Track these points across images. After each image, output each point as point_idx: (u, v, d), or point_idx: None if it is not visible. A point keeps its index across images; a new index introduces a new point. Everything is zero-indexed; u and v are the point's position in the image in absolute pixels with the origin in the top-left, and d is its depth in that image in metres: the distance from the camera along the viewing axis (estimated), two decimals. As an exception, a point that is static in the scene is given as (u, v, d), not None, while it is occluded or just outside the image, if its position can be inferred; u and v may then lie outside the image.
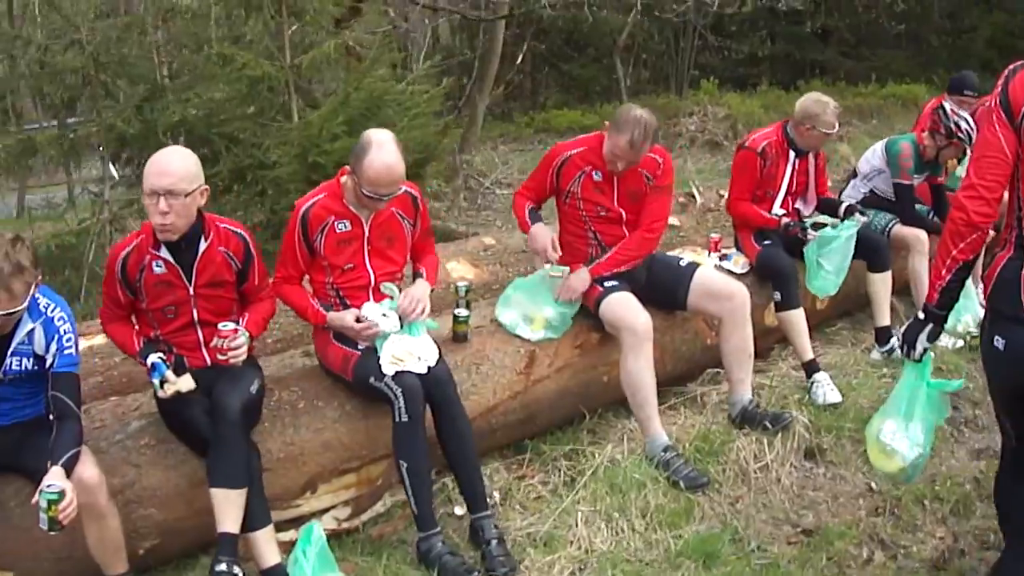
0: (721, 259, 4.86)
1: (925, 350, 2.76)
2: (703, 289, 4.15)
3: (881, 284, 4.86)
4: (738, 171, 4.81)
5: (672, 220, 5.91)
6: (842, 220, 4.77)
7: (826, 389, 4.35)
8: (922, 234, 5.09)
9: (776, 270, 4.61)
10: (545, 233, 4.06)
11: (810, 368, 4.48)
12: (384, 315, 3.40)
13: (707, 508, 3.71)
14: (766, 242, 4.75)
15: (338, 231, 3.42)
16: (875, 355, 4.90)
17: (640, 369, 3.85)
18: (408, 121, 6.98)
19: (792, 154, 4.74)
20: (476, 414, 3.66)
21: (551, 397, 3.99)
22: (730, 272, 4.74)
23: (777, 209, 4.78)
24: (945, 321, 2.67)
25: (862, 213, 4.78)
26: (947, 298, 2.57)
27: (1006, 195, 2.43)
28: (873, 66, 14.88)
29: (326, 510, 3.46)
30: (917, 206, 5.28)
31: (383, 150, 3.26)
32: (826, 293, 4.76)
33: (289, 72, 6.71)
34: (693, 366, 4.54)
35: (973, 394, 4.56)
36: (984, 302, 2.56)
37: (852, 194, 5.39)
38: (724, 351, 4.19)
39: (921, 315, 2.70)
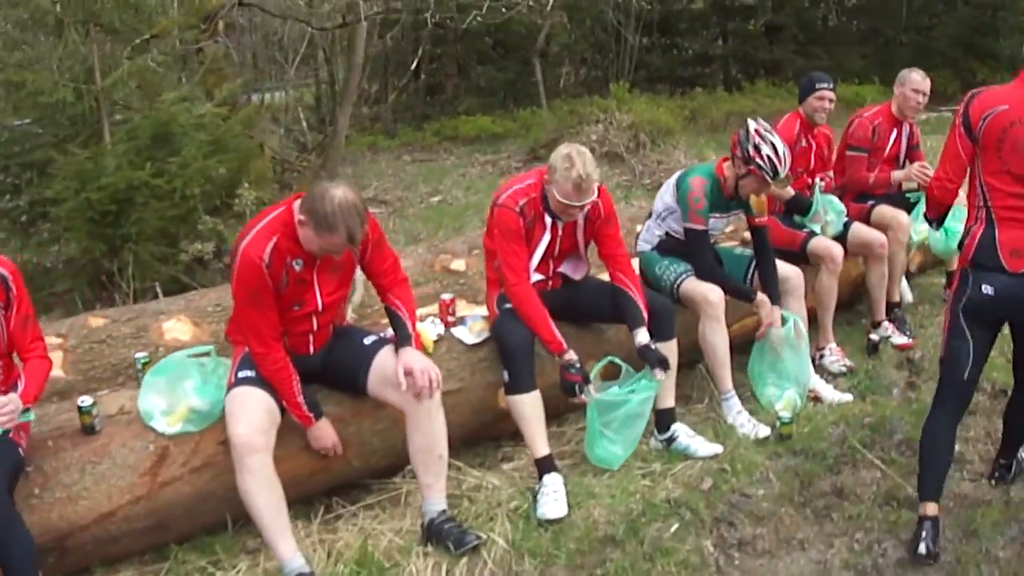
0: (451, 326, 3.91)
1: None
2: (383, 374, 3.28)
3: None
4: (504, 235, 3.63)
5: (458, 264, 4.98)
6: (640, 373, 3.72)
7: (550, 499, 3.39)
8: (713, 293, 4.01)
9: (504, 345, 3.64)
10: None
11: (543, 467, 3.52)
12: None
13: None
14: (507, 306, 3.78)
15: None
16: (653, 443, 3.89)
17: (247, 489, 3.01)
18: (198, 149, 6.14)
19: (548, 218, 3.69)
20: (89, 520, 3.12)
21: (187, 501, 3.26)
22: (461, 342, 3.82)
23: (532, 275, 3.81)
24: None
25: (663, 364, 3.62)
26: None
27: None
28: (824, 65, 13.74)
29: None
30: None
31: None
32: (608, 466, 3.71)
33: (101, 95, 6.07)
34: (395, 459, 3.61)
35: (759, 505, 3.54)
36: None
37: (647, 238, 4.36)
38: (410, 451, 3.31)
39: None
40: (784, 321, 4.18)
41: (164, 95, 6.18)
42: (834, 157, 5.09)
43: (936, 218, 3.46)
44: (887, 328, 4.87)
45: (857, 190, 5.09)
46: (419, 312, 4.08)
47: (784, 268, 4.33)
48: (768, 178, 3.93)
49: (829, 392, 4.27)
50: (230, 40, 9.04)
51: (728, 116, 11.30)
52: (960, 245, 3.24)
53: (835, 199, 4.90)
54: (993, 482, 3.62)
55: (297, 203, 3.06)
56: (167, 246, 6.12)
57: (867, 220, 5.00)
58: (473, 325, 3.89)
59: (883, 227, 4.89)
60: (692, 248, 4.09)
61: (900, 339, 4.83)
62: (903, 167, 5.15)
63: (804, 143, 4.83)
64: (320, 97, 13.77)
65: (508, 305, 3.74)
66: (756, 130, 3.95)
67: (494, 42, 14.06)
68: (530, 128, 10.91)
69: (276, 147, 9.76)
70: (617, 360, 3.77)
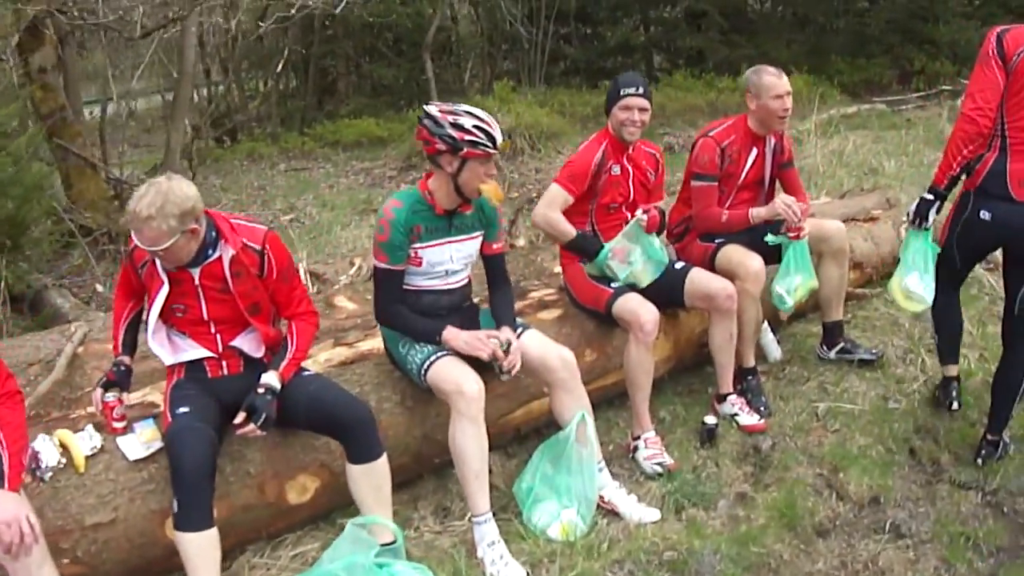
0: (117, 433, 2.91)
1: (932, 221, 3.55)
2: None
3: (364, 481, 2.84)
4: None
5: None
6: None
7: None
8: (470, 383, 2.93)
9: (175, 464, 2.64)
10: None
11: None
12: None
13: None
14: (181, 409, 2.77)
15: None
16: None
17: None
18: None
19: (159, 263, 2.84)
20: None
21: None
22: (124, 457, 2.83)
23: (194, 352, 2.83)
24: (946, 199, 3.52)
25: (257, 415, 2.79)
26: (952, 183, 3.45)
27: None
28: (747, 55, 12.73)
29: None
30: None
31: None
32: None
33: None
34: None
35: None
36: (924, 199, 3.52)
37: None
38: None
39: (930, 196, 3.51)
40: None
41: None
42: (664, 184, 4.02)
43: (961, 166, 3.37)
44: (734, 404, 3.85)
45: (706, 228, 4.03)
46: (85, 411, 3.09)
47: (558, 353, 3.21)
48: (490, 149, 2.97)
49: (629, 506, 3.22)
50: (65, 54, 7.85)
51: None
52: (970, 171, 3.41)
53: (656, 242, 3.81)
54: (980, 460, 3.69)
55: None
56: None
57: (711, 265, 3.96)
58: (143, 432, 2.89)
59: (729, 274, 3.85)
60: (375, 290, 3.16)
61: (749, 419, 3.79)
62: (770, 193, 4.11)
63: (617, 170, 3.73)
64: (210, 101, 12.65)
65: (184, 408, 2.77)
66: (441, 111, 2.97)
67: (395, 37, 12.91)
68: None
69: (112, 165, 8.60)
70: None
